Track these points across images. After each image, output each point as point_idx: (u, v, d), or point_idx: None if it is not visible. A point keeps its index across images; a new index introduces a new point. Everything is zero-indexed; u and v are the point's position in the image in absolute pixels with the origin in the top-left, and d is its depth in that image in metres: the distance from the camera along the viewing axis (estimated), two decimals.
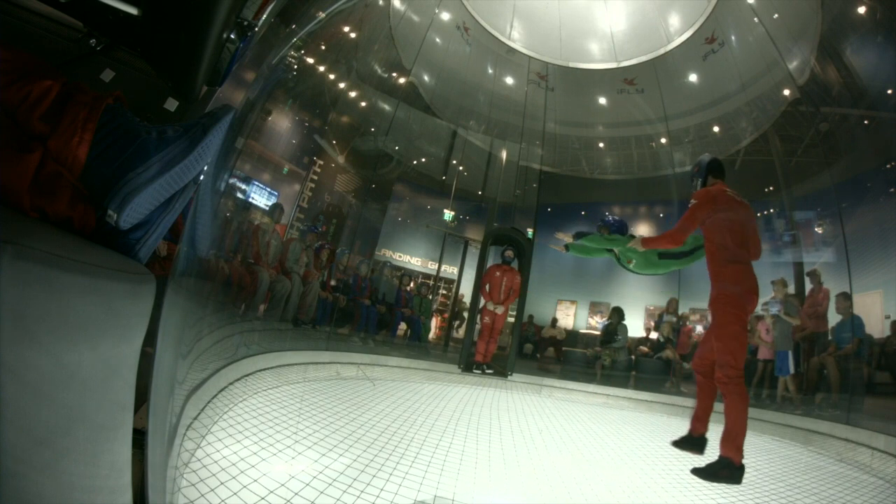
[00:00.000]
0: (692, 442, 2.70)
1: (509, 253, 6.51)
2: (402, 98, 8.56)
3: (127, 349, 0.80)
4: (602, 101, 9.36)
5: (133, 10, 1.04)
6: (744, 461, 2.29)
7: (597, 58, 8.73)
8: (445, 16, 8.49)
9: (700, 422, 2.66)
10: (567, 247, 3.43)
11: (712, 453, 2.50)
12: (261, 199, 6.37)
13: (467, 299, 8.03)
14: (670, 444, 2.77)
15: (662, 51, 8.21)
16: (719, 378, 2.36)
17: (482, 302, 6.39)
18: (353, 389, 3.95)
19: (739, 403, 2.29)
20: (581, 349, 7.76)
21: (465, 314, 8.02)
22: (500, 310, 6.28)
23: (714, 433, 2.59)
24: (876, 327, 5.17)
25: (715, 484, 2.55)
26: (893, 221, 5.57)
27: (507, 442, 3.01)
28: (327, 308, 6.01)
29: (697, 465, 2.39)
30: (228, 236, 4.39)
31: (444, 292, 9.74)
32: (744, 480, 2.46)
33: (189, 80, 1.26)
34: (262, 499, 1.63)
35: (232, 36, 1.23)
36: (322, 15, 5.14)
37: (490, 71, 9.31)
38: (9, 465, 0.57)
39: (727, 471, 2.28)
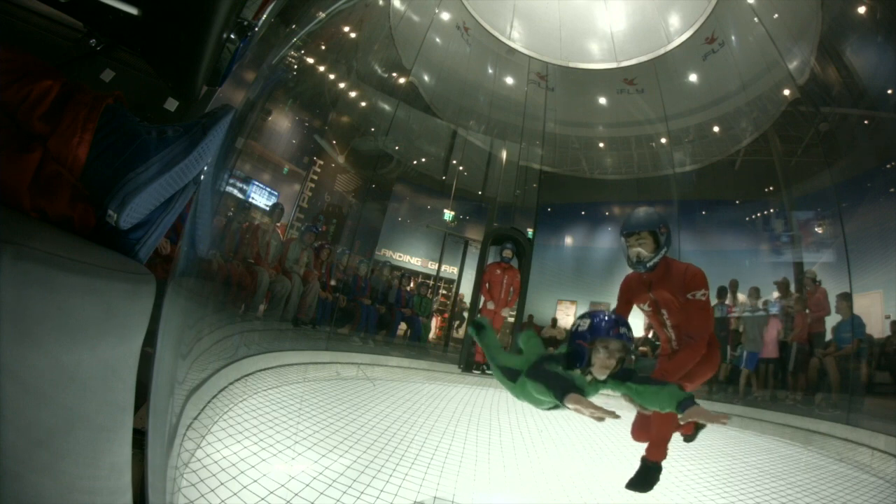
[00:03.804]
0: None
1: (507, 252, 6.54)
2: (402, 98, 8.56)
3: (127, 349, 0.80)
4: (602, 101, 9.35)
5: (133, 10, 1.04)
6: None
7: (597, 58, 8.72)
8: (445, 16, 8.48)
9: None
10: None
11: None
12: (261, 199, 6.37)
13: (467, 299, 8.03)
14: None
15: (662, 51, 8.21)
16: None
17: (482, 301, 6.40)
18: (353, 390, 3.95)
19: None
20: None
21: (465, 314, 8.02)
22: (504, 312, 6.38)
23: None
24: (876, 327, 5.16)
25: (716, 483, 2.56)
26: (893, 221, 5.58)
27: (507, 442, 3.00)
28: (327, 308, 6.00)
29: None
30: (228, 236, 4.39)
31: (444, 292, 9.74)
32: (745, 478, 2.40)
33: (189, 80, 1.26)
34: (262, 499, 1.63)
35: (232, 36, 1.23)
36: (322, 15, 5.15)
37: (490, 71, 9.30)
38: (9, 465, 0.57)
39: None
